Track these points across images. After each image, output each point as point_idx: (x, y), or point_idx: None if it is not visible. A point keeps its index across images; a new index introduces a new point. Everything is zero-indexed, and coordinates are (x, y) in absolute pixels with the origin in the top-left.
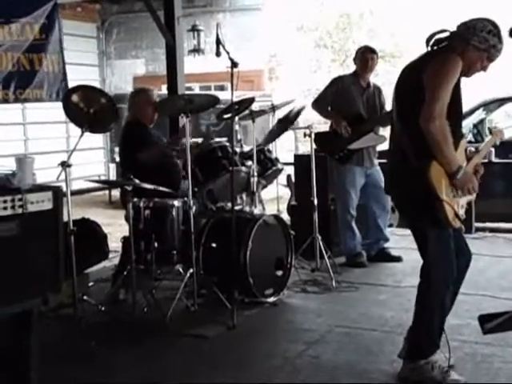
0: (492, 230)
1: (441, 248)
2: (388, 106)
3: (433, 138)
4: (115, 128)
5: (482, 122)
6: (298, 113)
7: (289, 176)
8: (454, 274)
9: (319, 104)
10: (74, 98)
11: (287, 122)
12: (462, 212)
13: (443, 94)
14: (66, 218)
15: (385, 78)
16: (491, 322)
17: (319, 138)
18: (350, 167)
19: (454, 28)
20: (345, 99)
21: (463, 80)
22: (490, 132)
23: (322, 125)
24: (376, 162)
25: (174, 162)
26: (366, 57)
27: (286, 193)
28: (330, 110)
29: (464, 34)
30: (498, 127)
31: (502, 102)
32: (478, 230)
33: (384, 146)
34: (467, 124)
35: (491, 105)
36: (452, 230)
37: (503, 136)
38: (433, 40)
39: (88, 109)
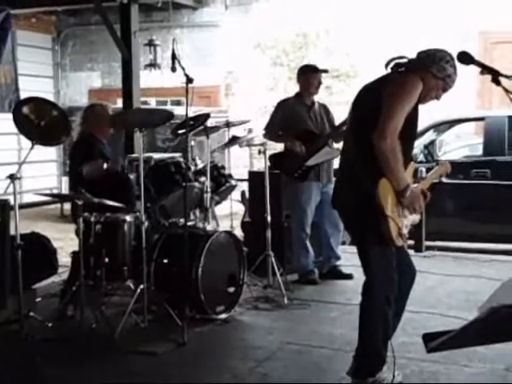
0: (441, 249)
1: (382, 265)
2: (337, 123)
3: (383, 155)
4: (68, 141)
5: (432, 143)
6: (250, 140)
7: (243, 192)
8: (396, 291)
9: (270, 131)
10: (25, 109)
11: (240, 142)
12: (405, 231)
13: (399, 113)
14: (13, 232)
15: (340, 97)
16: (435, 341)
17: (275, 158)
18: (307, 183)
19: (410, 53)
20: (293, 120)
21: None
22: (437, 163)
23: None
24: (332, 177)
25: (126, 176)
26: (306, 76)
27: (240, 209)
28: (281, 133)
29: (424, 61)
30: (445, 161)
31: (452, 123)
32: (428, 248)
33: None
34: (418, 145)
35: (441, 126)
36: (395, 247)
37: (449, 170)
38: (392, 64)
39: (39, 121)
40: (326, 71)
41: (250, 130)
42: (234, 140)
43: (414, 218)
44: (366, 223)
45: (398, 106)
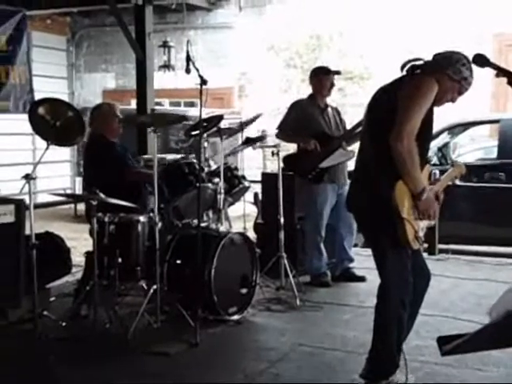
0: (455, 252)
1: (398, 268)
2: (350, 125)
3: (400, 157)
4: (82, 142)
5: (446, 145)
6: (264, 138)
7: (256, 194)
8: (411, 294)
9: (283, 131)
10: (41, 110)
11: (254, 143)
12: (421, 234)
13: (416, 115)
14: (28, 232)
15: (353, 99)
16: (449, 344)
17: (289, 159)
18: (323, 186)
19: (424, 57)
20: (306, 121)
21: None
22: (452, 165)
23: (290, 145)
24: (347, 179)
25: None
26: (319, 78)
27: (253, 211)
28: (295, 133)
29: (440, 63)
30: (459, 162)
31: (466, 126)
32: (441, 251)
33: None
34: (432, 147)
35: (456, 129)
36: (410, 250)
37: (463, 171)
38: (408, 66)
39: (54, 122)
40: (338, 73)
41: (263, 131)
42: (247, 142)
43: (430, 221)
44: (381, 226)
45: (415, 107)
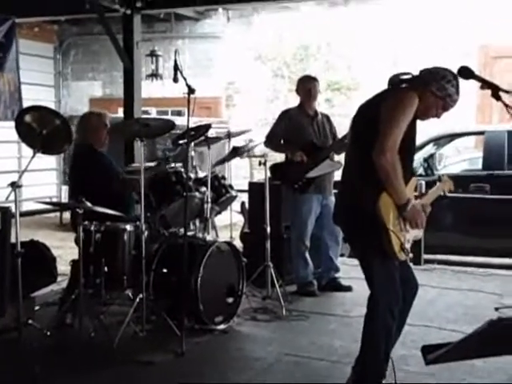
0: (440, 262)
1: (386, 279)
2: (340, 134)
3: (384, 170)
4: (69, 150)
5: (432, 156)
6: (252, 148)
7: (243, 203)
8: (400, 304)
9: (271, 140)
10: (27, 118)
11: (240, 152)
12: (408, 246)
13: (397, 129)
14: (14, 240)
15: (341, 110)
16: (434, 353)
17: (276, 169)
18: (308, 196)
19: (410, 69)
20: (295, 130)
21: None
22: (439, 179)
23: (278, 154)
24: (332, 190)
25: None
26: (307, 86)
27: (240, 220)
28: (283, 143)
29: (425, 79)
30: (447, 179)
31: (451, 137)
32: (426, 261)
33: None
34: (418, 158)
35: (441, 140)
36: (397, 261)
37: (452, 188)
38: (395, 80)
39: (41, 130)
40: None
41: (250, 141)
42: (234, 151)
43: (417, 233)
44: (367, 238)
45: (395, 122)
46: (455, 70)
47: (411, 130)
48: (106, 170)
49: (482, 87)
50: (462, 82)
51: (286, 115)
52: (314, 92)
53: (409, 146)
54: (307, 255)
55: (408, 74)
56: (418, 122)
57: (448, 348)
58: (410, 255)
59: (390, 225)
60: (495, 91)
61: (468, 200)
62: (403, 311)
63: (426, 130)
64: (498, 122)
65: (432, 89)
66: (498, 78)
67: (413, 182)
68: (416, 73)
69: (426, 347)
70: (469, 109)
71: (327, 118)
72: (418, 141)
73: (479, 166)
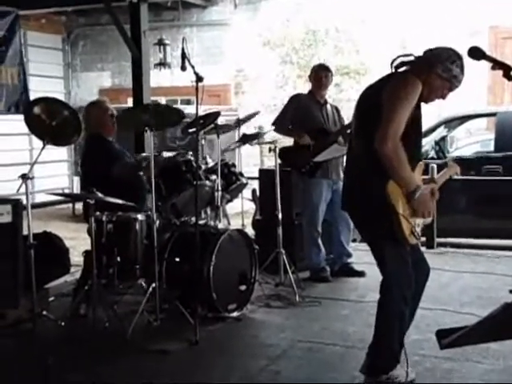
0: (453, 246)
1: (398, 263)
2: (348, 120)
3: (387, 159)
4: (78, 141)
5: (443, 139)
6: (261, 135)
7: (254, 190)
8: (412, 289)
9: (280, 123)
10: (36, 110)
11: (250, 139)
12: (418, 230)
13: (399, 115)
14: (26, 232)
15: (349, 94)
16: (448, 337)
17: (284, 152)
18: (317, 181)
19: (419, 52)
20: (305, 115)
21: None
22: (446, 165)
23: (287, 140)
24: (341, 175)
25: (139, 175)
26: (319, 75)
27: (251, 207)
28: (291, 127)
29: (429, 61)
30: (453, 163)
31: (463, 119)
32: (439, 245)
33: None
34: (429, 141)
35: (453, 122)
36: (409, 245)
37: (458, 172)
38: (397, 62)
39: (50, 121)
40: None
41: (260, 127)
42: (244, 138)
43: (426, 218)
44: (378, 223)
45: (397, 109)
46: (465, 51)
47: (416, 116)
48: (118, 157)
49: (493, 68)
50: (472, 63)
51: (295, 99)
52: (325, 81)
53: (414, 132)
54: (319, 241)
55: (410, 55)
56: (429, 104)
57: (463, 332)
58: (422, 239)
59: (400, 209)
60: (507, 71)
61: (481, 182)
62: (415, 295)
63: (438, 112)
64: (510, 102)
65: (437, 71)
66: (509, 58)
67: (419, 166)
68: (419, 55)
69: (441, 331)
70: (480, 90)
71: (336, 108)
72: (430, 123)
73: (491, 147)
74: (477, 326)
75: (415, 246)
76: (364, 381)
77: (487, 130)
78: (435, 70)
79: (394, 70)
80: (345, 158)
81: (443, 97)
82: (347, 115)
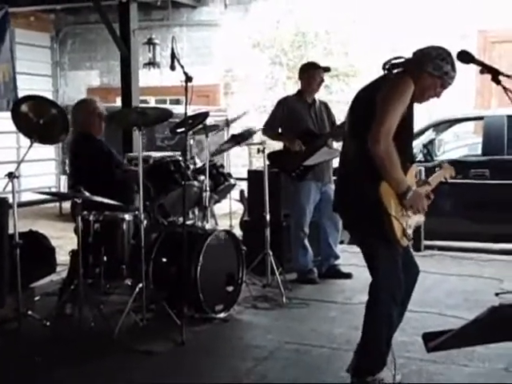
0: (440, 248)
1: (389, 265)
2: (338, 121)
3: (378, 158)
4: (66, 140)
5: (431, 142)
6: (251, 134)
7: (242, 191)
8: (402, 291)
9: (269, 128)
10: (24, 108)
11: (240, 139)
12: (410, 232)
13: (391, 116)
14: (12, 231)
15: (339, 97)
16: (435, 340)
17: (274, 156)
18: (306, 183)
19: (409, 54)
20: (293, 118)
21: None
22: (440, 167)
23: (276, 142)
24: (331, 177)
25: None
26: (309, 73)
27: (239, 208)
28: (281, 131)
29: (419, 60)
30: (448, 165)
31: (451, 123)
32: (426, 247)
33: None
34: (417, 144)
35: (441, 125)
36: (400, 247)
37: (453, 174)
38: (388, 65)
39: (38, 119)
40: (327, 69)
41: (248, 128)
42: (233, 139)
43: (419, 218)
44: (370, 224)
45: (390, 109)
46: (455, 55)
47: (408, 116)
48: (108, 157)
49: (481, 71)
50: (461, 66)
51: (283, 103)
52: (316, 78)
53: (406, 133)
54: (306, 242)
55: (401, 57)
56: (418, 107)
57: (449, 335)
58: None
59: (392, 211)
60: (495, 75)
61: (468, 185)
62: (404, 297)
63: (426, 115)
64: (498, 106)
65: (428, 69)
66: (496, 62)
67: (413, 169)
68: (409, 56)
69: (427, 334)
70: (468, 93)
71: (325, 105)
72: (417, 127)
73: (479, 151)
74: (463, 330)
75: (406, 248)
76: (350, 382)
77: (475, 133)
78: (426, 68)
79: (385, 72)
80: (336, 159)
81: (437, 95)
82: (337, 117)
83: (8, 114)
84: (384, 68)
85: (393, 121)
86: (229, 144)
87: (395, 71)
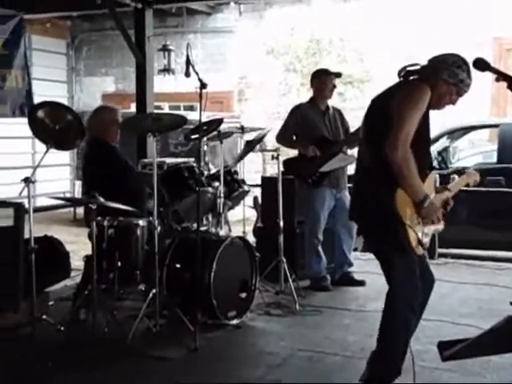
0: (454, 257)
1: (404, 274)
2: (353, 128)
3: (396, 166)
4: (82, 145)
5: (446, 149)
6: (263, 136)
7: (255, 198)
8: (420, 299)
9: (283, 136)
10: (40, 113)
11: (253, 144)
12: (426, 240)
13: (408, 124)
14: (27, 235)
15: (353, 104)
16: (450, 349)
17: (289, 163)
18: (321, 189)
19: (424, 61)
20: (307, 125)
21: None
22: (461, 173)
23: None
24: (346, 184)
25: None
26: (321, 79)
27: (253, 215)
28: (295, 139)
29: (435, 68)
30: (473, 171)
31: (465, 130)
32: (440, 255)
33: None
34: (432, 151)
35: (455, 133)
36: (416, 256)
37: (478, 180)
38: (404, 72)
39: (54, 125)
40: (339, 75)
41: (261, 130)
42: (248, 145)
43: (437, 226)
44: (385, 232)
45: (407, 116)
46: (470, 63)
47: (425, 123)
48: (122, 164)
49: (497, 79)
50: (476, 74)
51: (296, 110)
52: (328, 84)
53: (424, 139)
54: (320, 249)
55: (416, 64)
56: (432, 114)
57: (465, 344)
58: None
59: (407, 219)
60: (511, 83)
61: (482, 193)
62: (420, 306)
63: (441, 122)
64: None
65: (443, 77)
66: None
67: (432, 176)
68: (424, 63)
69: (443, 343)
70: (483, 101)
71: (339, 112)
72: (432, 134)
73: (494, 159)
74: (479, 339)
75: (421, 257)
76: None
77: (489, 141)
78: (441, 75)
79: (401, 80)
80: (351, 166)
81: (452, 102)
82: (351, 124)
83: (23, 120)
84: (399, 75)
85: (410, 127)
86: (243, 152)
87: (411, 78)
